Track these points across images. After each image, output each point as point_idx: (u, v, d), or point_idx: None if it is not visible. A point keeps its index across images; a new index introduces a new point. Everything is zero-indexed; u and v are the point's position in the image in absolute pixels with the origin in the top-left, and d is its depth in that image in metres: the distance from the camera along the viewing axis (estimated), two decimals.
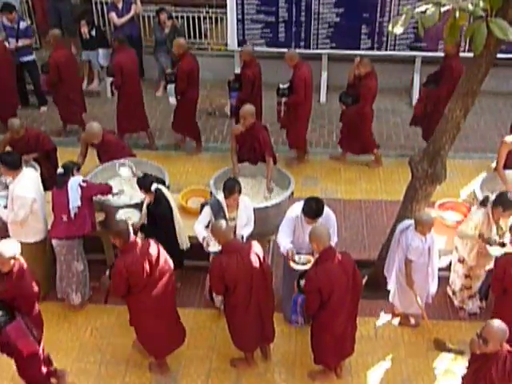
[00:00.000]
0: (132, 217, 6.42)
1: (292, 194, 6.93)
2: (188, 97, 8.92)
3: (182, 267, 6.57)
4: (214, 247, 5.84)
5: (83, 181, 6.36)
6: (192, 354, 6.17)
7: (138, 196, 6.66)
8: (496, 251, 5.91)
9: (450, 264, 6.63)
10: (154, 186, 6.22)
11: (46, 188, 7.06)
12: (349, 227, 7.82)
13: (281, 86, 8.50)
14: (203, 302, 6.69)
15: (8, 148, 7.50)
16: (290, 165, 8.78)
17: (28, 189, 6.27)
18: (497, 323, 4.34)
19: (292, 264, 5.81)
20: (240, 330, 5.68)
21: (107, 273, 5.50)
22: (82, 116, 9.65)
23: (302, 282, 5.36)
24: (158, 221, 6.28)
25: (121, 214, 6.53)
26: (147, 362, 6.07)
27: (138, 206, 6.52)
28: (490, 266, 6.11)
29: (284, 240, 5.90)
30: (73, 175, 6.34)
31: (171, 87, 8.81)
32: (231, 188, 5.97)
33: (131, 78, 8.93)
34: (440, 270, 6.84)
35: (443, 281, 6.63)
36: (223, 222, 5.44)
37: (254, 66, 8.73)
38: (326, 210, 5.88)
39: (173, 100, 8.98)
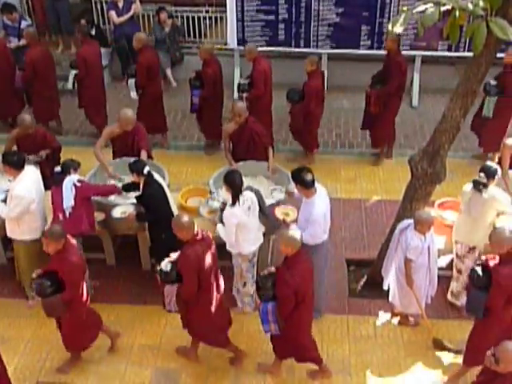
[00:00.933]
0: (127, 211, 6.47)
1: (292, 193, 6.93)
2: (149, 91, 9.00)
3: None
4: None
5: (78, 180, 6.33)
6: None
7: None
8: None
9: (451, 266, 6.63)
10: (147, 169, 6.24)
11: (47, 187, 7.07)
12: (348, 226, 7.82)
13: (241, 81, 8.67)
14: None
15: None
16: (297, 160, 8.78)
17: (28, 189, 6.26)
18: (507, 346, 4.34)
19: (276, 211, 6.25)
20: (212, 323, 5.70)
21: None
22: (58, 112, 9.76)
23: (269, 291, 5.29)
24: (152, 204, 6.22)
25: (117, 210, 6.55)
26: (146, 361, 6.09)
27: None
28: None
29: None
30: (69, 174, 6.32)
31: (132, 82, 8.93)
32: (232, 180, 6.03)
33: (94, 71, 9.10)
34: (440, 269, 6.86)
35: (443, 280, 6.64)
36: (186, 217, 5.38)
37: (213, 64, 8.80)
38: (315, 201, 5.87)
39: (134, 94, 9.11)
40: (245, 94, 8.60)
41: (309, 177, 5.76)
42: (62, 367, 6.02)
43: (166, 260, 5.43)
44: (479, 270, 5.20)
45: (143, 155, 7.25)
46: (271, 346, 5.79)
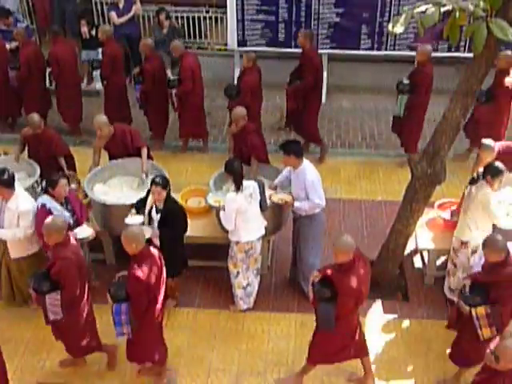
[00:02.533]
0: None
1: (290, 193, 6.93)
2: (113, 82, 9.22)
3: (187, 267, 6.56)
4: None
5: (42, 205, 6.04)
6: (191, 354, 6.17)
7: (135, 196, 6.65)
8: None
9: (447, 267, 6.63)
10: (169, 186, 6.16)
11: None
12: (348, 227, 7.82)
13: (171, 77, 8.83)
14: (203, 301, 6.71)
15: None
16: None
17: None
18: (508, 344, 4.34)
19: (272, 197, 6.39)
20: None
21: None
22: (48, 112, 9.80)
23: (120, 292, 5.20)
24: (174, 219, 6.11)
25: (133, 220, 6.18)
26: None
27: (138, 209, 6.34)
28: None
29: (278, 178, 6.65)
30: (45, 193, 6.12)
31: (97, 73, 9.30)
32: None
33: (68, 69, 9.19)
34: (440, 269, 6.87)
35: (443, 281, 6.65)
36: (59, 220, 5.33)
37: (154, 60, 8.90)
38: (307, 168, 6.24)
39: (99, 86, 9.44)
40: (174, 91, 8.76)
41: (299, 146, 6.28)
42: (64, 361, 6.03)
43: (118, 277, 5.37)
44: (318, 284, 5.11)
45: (144, 152, 7.28)
46: (273, 346, 5.80)
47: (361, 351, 5.61)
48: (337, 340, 5.36)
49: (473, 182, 6.15)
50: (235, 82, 9.15)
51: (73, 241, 5.43)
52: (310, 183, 6.17)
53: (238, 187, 6.02)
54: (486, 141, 6.84)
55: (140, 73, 9.13)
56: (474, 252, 6.30)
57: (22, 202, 6.08)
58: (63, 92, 9.46)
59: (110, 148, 7.44)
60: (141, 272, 5.02)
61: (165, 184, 5.99)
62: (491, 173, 5.95)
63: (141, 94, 9.05)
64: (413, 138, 8.69)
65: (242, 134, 7.35)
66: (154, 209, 6.07)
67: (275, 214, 6.61)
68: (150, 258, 5.15)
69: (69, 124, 9.75)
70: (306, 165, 6.25)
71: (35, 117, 7.45)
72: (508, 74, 8.04)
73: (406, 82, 8.43)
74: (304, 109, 8.84)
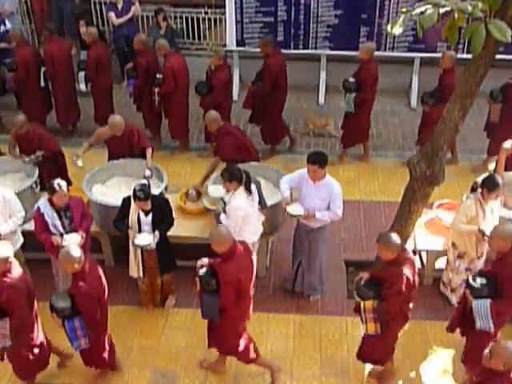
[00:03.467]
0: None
1: (291, 194, 6.93)
2: (99, 83, 9.34)
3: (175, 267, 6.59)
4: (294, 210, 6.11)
5: (37, 207, 6.05)
6: (190, 355, 6.16)
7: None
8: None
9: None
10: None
11: (44, 189, 7.05)
12: (347, 228, 7.82)
13: (157, 75, 8.86)
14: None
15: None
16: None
17: (6, 187, 6.35)
18: (506, 344, 4.34)
19: (285, 212, 6.17)
20: None
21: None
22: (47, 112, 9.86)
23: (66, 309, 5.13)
24: (166, 213, 6.23)
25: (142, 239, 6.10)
26: (145, 363, 6.08)
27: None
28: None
29: (284, 189, 6.23)
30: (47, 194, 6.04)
31: (81, 75, 9.35)
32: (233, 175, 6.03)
33: (63, 68, 9.24)
34: (438, 271, 6.87)
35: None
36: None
37: (147, 55, 8.99)
38: (331, 179, 6.10)
39: (83, 87, 9.48)
40: (156, 89, 8.84)
41: (326, 157, 6.05)
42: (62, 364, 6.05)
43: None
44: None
45: (148, 152, 7.32)
46: (271, 347, 5.79)
47: (231, 350, 5.66)
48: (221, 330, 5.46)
49: (472, 190, 6.18)
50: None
51: (17, 266, 5.19)
52: (336, 195, 6.08)
53: (250, 191, 6.03)
54: (506, 143, 6.97)
55: (133, 68, 9.22)
56: (459, 256, 6.38)
57: (3, 191, 6.19)
58: (59, 91, 9.49)
59: (114, 145, 7.42)
60: (88, 287, 5.04)
61: (147, 194, 5.92)
62: (488, 187, 5.97)
63: (134, 88, 9.14)
64: (357, 133, 8.92)
65: (216, 136, 7.40)
66: (141, 213, 6.05)
67: (272, 215, 6.61)
68: (94, 271, 5.18)
69: (62, 124, 9.78)
70: (329, 176, 6.13)
71: (20, 117, 7.44)
72: None
73: (351, 80, 8.56)
74: (264, 109, 8.97)
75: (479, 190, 6.05)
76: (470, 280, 5.24)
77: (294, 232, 6.58)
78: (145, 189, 5.92)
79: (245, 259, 5.22)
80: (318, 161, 5.94)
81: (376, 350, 5.55)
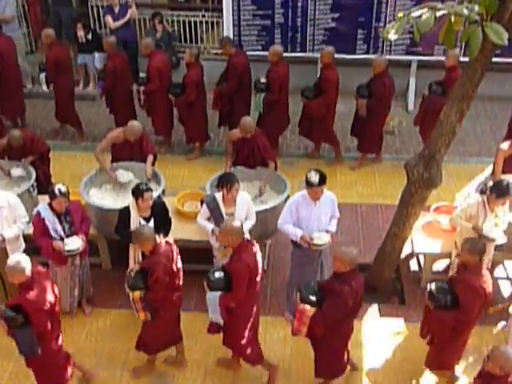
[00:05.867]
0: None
1: (288, 197, 6.93)
2: (60, 85, 9.39)
3: None
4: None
5: (37, 212, 6.06)
6: (188, 358, 6.16)
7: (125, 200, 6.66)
8: (492, 232, 6.03)
9: (448, 267, 6.64)
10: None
11: (40, 191, 7.05)
12: (345, 231, 7.82)
13: (141, 74, 9.04)
14: (199, 306, 6.69)
15: None
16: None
17: (8, 192, 6.33)
18: (504, 348, 4.38)
19: (313, 247, 5.88)
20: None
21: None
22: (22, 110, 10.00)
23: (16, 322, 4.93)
24: (166, 214, 6.34)
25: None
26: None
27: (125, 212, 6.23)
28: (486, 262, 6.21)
29: (292, 229, 5.95)
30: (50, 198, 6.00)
31: (42, 76, 9.44)
32: (231, 180, 6.02)
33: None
34: (436, 273, 6.88)
35: None
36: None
37: (116, 58, 9.12)
38: (328, 193, 6.04)
39: (45, 87, 9.61)
40: (141, 88, 8.96)
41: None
42: None
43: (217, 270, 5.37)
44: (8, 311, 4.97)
45: (150, 158, 7.32)
46: (269, 350, 5.78)
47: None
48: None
49: (481, 192, 6.26)
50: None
51: (43, 279, 5.10)
52: (336, 202, 6.11)
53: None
54: (503, 145, 7.04)
55: (103, 70, 9.34)
56: (458, 255, 6.35)
57: (8, 195, 6.20)
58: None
59: (122, 149, 7.41)
60: (35, 298, 4.92)
61: (149, 186, 6.06)
62: (497, 192, 5.94)
63: (103, 90, 9.30)
64: (275, 134, 8.99)
65: (247, 139, 7.30)
66: (142, 221, 6.06)
67: (270, 218, 6.60)
68: (44, 281, 5.07)
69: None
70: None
71: (16, 133, 7.45)
72: None
73: (262, 80, 8.71)
74: (232, 109, 9.08)
75: (488, 193, 6.04)
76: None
77: (297, 260, 6.31)
78: (141, 183, 6.09)
79: (253, 256, 5.25)
80: (323, 180, 5.79)
81: (152, 336, 5.71)
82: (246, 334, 5.54)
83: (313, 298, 5.11)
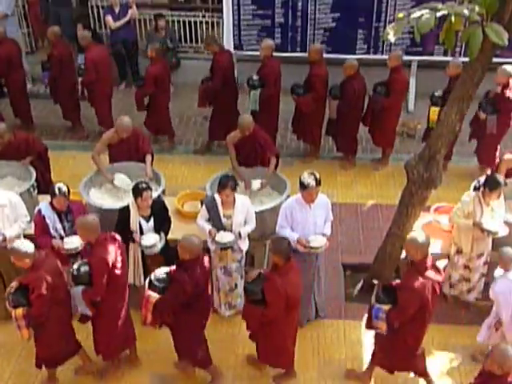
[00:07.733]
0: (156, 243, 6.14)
1: (288, 197, 6.93)
2: (12, 79, 9.66)
3: None
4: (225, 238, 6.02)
5: (38, 210, 6.11)
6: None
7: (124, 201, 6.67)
8: (492, 225, 6.10)
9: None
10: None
11: (40, 191, 7.05)
12: (345, 231, 7.82)
13: (81, 66, 9.21)
14: None
15: None
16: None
17: (8, 191, 6.33)
18: (504, 347, 4.38)
19: (310, 250, 5.88)
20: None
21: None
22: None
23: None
24: (166, 212, 6.34)
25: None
26: (143, 366, 6.08)
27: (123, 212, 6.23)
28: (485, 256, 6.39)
29: (290, 233, 5.89)
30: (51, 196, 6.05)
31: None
32: (224, 183, 5.96)
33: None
34: None
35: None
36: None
37: (60, 47, 9.33)
38: (322, 195, 6.03)
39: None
40: (80, 79, 9.23)
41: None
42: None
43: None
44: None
45: (148, 158, 7.31)
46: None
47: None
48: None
49: (475, 189, 6.34)
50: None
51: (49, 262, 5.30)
52: (329, 204, 6.12)
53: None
54: (507, 155, 7.22)
55: (48, 60, 9.46)
56: (458, 252, 6.47)
57: (10, 194, 6.20)
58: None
59: (119, 149, 7.40)
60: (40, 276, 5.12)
61: (148, 185, 6.05)
62: (490, 186, 6.05)
63: (49, 80, 9.47)
64: (272, 130, 8.93)
65: (247, 138, 7.30)
66: (142, 220, 6.06)
67: (271, 217, 6.60)
68: (49, 260, 5.28)
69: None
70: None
71: (0, 125, 7.44)
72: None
73: (255, 77, 8.72)
74: (216, 108, 9.15)
75: (481, 189, 6.13)
76: (74, 267, 5.36)
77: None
78: (143, 181, 6.09)
79: (294, 275, 5.28)
80: (319, 181, 5.81)
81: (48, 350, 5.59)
82: (114, 328, 5.59)
83: (22, 301, 5.17)
